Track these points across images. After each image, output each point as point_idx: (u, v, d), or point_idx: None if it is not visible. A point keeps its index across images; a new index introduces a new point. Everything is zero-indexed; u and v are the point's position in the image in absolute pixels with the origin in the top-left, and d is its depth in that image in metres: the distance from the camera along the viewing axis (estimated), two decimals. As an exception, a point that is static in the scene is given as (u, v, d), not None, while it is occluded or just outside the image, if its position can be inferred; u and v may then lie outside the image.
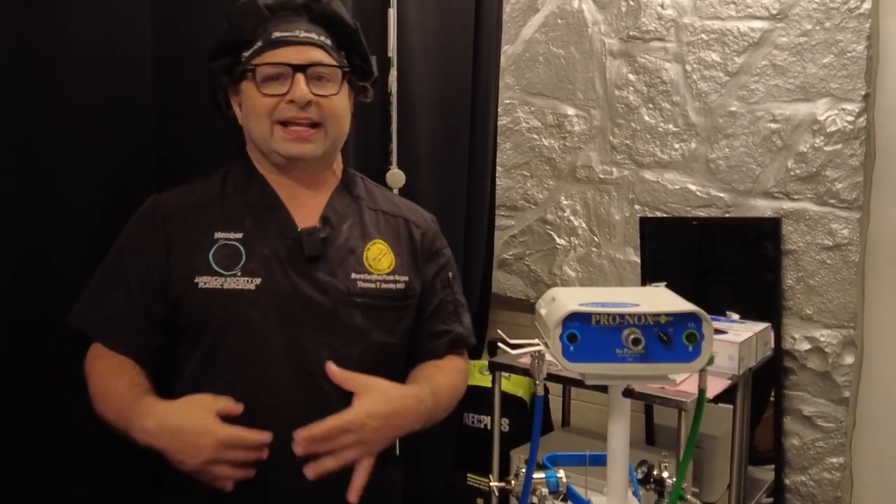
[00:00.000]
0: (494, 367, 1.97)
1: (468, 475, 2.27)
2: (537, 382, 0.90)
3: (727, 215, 2.17)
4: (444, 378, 1.34)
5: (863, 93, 1.95)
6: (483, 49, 2.24)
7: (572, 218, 2.47)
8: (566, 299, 0.86)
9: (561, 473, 0.98)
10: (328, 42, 1.25)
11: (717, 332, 1.75)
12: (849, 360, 2.01)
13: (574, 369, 0.84)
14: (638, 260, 2.32)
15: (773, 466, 2.12)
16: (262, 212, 1.26)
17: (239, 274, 1.19)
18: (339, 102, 1.25)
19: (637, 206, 2.32)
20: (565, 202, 2.48)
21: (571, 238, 2.47)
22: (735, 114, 2.14)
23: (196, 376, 1.21)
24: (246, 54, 1.24)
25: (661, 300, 0.88)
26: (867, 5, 1.93)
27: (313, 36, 1.24)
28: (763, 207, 2.11)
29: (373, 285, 1.25)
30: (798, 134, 2.04)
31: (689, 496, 0.96)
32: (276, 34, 1.22)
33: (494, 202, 2.48)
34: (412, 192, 1.88)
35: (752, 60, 2.10)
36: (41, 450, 1.30)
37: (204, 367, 1.20)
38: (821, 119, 2.00)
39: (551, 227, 2.51)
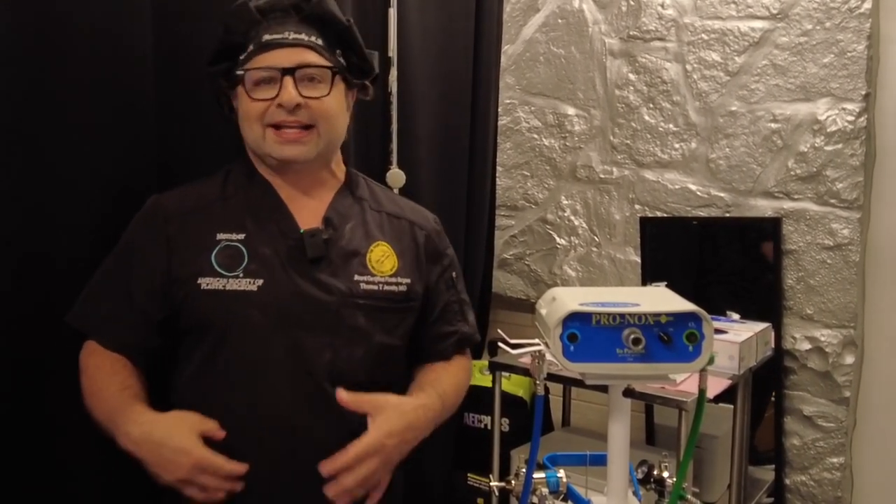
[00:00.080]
0: (495, 367, 1.97)
1: (468, 475, 2.27)
2: (537, 382, 0.90)
3: (727, 215, 2.17)
4: (449, 379, 1.35)
5: (863, 93, 1.95)
6: (483, 49, 2.24)
7: (572, 218, 2.47)
8: (566, 299, 0.85)
9: (561, 473, 0.98)
10: (319, 42, 1.24)
11: (718, 331, 1.75)
12: (849, 359, 2.01)
13: (574, 369, 0.84)
14: (638, 260, 2.32)
15: (773, 466, 2.12)
16: (264, 213, 1.26)
17: (241, 275, 1.19)
18: (331, 103, 1.24)
19: (637, 206, 2.32)
20: (565, 202, 2.48)
21: (572, 238, 2.47)
22: (735, 113, 2.14)
23: (198, 376, 1.21)
24: (241, 57, 1.23)
25: (662, 300, 0.87)
26: (867, 5, 1.93)
27: (303, 37, 1.22)
28: (763, 207, 2.11)
29: (375, 287, 1.25)
30: (798, 134, 2.04)
31: (689, 496, 0.96)
32: (266, 37, 1.21)
33: (495, 202, 2.48)
34: (412, 191, 1.87)
35: (753, 60, 2.10)
36: (42, 450, 1.30)
37: (206, 368, 1.21)
38: (821, 119, 2.00)
39: (551, 226, 2.51)
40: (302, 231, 1.24)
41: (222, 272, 1.19)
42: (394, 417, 1.18)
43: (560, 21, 2.45)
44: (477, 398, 2.14)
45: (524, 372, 1.93)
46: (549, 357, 0.87)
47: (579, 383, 1.05)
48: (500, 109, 2.48)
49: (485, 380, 2.10)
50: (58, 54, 1.28)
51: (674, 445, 1.70)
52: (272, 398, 1.18)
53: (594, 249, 2.43)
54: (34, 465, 1.29)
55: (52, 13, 1.26)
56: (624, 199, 2.35)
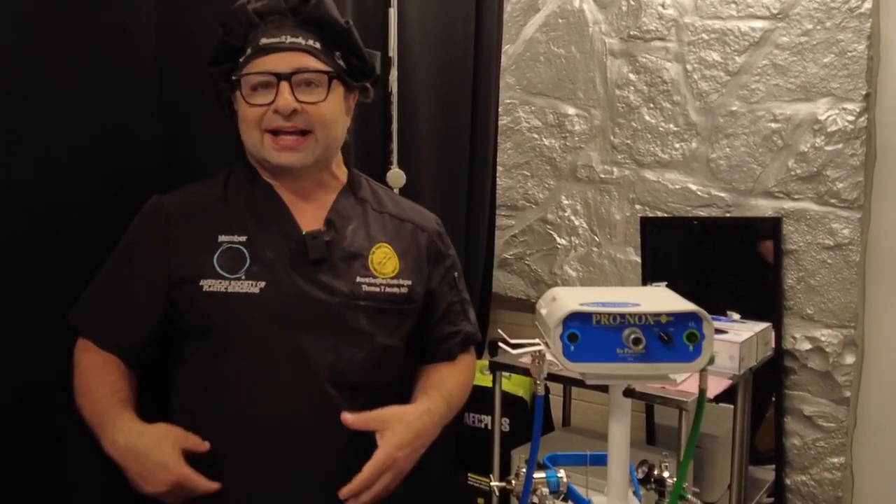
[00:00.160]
0: (495, 367, 1.97)
1: (469, 475, 2.27)
2: (538, 382, 0.90)
3: (728, 215, 2.16)
4: (454, 380, 1.36)
5: (864, 92, 1.95)
6: (484, 48, 2.24)
7: (573, 218, 2.46)
8: (567, 299, 0.85)
9: (561, 473, 0.98)
10: (317, 46, 1.22)
11: (718, 331, 1.74)
12: (849, 359, 2.01)
13: (574, 369, 0.84)
14: (638, 260, 2.32)
15: (773, 466, 2.12)
16: (266, 215, 1.25)
17: (243, 277, 1.19)
18: (329, 108, 1.22)
19: (638, 206, 2.32)
20: (566, 202, 2.48)
21: (572, 238, 2.47)
22: (736, 113, 2.13)
23: (199, 377, 1.22)
24: (240, 60, 1.22)
25: (662, 300, 0.87)
26: (868, 5, 1.93)
27: (300, 41, 1.20)
28: (764, 207, 2.11)
29: (377, 289, 1.25)
30: (799, 133, 2.04)
31: (689, 496, 0.96)
32: (263, 41, 1.20)
33: (495, 202, 2.48)
34: (412, 191, 1.87)
35: (753, 60, 2.10)
36: (43, 450, 1.30)
37: (207, 369, 1.21)
38: (822, 119, 2.00)
39: (552, 226, 2.51)
40: (304, 233, 1.24)
41: (224, 274, 1.19)
42: (401, 430, 1.19)
43: (560, 21, 2.45)
44: (477, 398, 2.12)
45: (524, 372, 1.93)
46: (549, 357, 0.87)
47: (579, 383, 1.05)
48: (500, 109, 2.48)
49: (485, 380, 2.10)
50: (61, 56, 1.28)
51: (674, 445, 1.70)
52: (274, 400, 1.18)
53: (594, 249, 2.43)
54: (35, 466, 1.29)
55: (55, 15, 1.26)
56: (624, 198, 2.35)
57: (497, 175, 2.49)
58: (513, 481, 0.98)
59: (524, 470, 0.96)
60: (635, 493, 0.96)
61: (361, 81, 1.31)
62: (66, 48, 1.28)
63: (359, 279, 1.24)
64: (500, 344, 1.06)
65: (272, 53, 1.19)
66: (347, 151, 1.39)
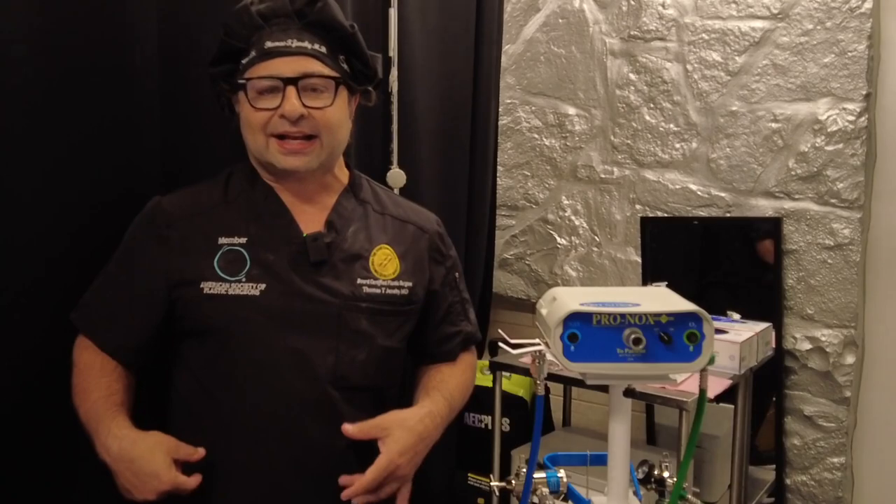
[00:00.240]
0: (495, 367, 1.97)
1: (469, 475, 2.27)
2: (538, 382, 0.90)
3: (728, 215, 2.16)
4: (455, 380, 1.36)
5: (864, 92, 1.94)
6: (484, 48, 2.24)
7: (573, 217, 2.46)
8: (567, 299, 0.85)
9: (562, 473, 0.98)
10: (322, 50, 1.20)
11: (718, 331, 1.75)
12: (850, 359, 2.01)
13: (575, 369, 0.84)
14: (639, 260, 2.32)
15: (774, 466, 2.12)
16: (267, 217, 1.25)
17: (244, 280, 1.19)
18: (335, 113, 1.21)
19: (638, 206, 2.32)
20: (566, 202, 2.48)
21: (572, 238, 2.47)
22: (736, 113, 2.13)
23: (199, 378, 1.22)
24: (244, 62, 1.21)
25: (662, 300, 0.87)
26: (868, 5, 1.92)
27: (306, 45, 1.19)
28: (764, 207, 2.11)
29: (378, 290, 1.25)
30: (799, 133, 2.04)
31: (689, 496, 0.96)
32: (269, 44, 1.18)
33: (495, 202, 2.48)
34: (413, 191, 1.87)
35: (753, 60, 2.10)
36: (43, 450, 1.30)
37: (208, 370, 1.21)
38: (822, 119, 2.00)
39: (552, 226, 2.51)
40: (304, 235, 1.24)
41: (225, 277, 1.19)
42: (402, 436, 1.19)
43: (560, 21, 2.45)
44: (477, 398, 2.12)
45: (525, 372, 1.93)
46: (549, 357, 0.87)
47: (580, 383, 1.05)
48: (500, 109, 2.48)
49: (485, 380, 2.10)
50: (63, 59, 1.28)
51: (674, 445, 1.70)
52: (274, 402, 1.18)
53: (595, 249, 2.43)
54: (35, 465, 1.29)
55: (57, 18, 1.26)
56: (625, 198, 2.35)
57: (497, 175, 2.49)
58: (513, 481, 0.98)
59: (524, 470, 0.96)
60: (635, 493, 0.96)
61: (364, 85, 1.30)
62: (66, 47, 1.28)
63: (359, 281, 1.24)
64: (501, 344, 1.06)
65: (278, 57, 1.18)
66: (348, 152, 1.39)
